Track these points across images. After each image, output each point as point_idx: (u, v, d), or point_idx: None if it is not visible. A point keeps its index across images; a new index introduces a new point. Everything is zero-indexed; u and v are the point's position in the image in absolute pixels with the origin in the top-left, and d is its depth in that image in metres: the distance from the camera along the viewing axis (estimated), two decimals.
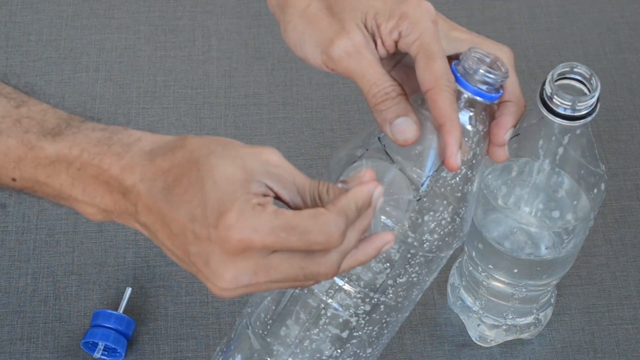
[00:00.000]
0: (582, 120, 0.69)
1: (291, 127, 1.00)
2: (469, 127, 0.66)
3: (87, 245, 0.91)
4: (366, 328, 0.71)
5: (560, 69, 0.70)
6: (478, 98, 0.65)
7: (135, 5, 1.08)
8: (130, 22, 1.07)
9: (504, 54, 0.67)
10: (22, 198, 0.94)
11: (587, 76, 0.69)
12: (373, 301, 0.69)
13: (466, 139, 0.65)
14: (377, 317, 0.70)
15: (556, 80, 0.69)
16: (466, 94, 0.65)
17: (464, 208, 0.67)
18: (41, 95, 1.01)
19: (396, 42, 0.66)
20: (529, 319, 0.86)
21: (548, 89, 0.69)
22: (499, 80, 0.64)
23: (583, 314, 0.90)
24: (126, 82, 1.02)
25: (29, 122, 0.62)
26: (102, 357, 0.85)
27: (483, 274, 0.82)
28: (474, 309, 0.86)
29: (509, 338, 0.87)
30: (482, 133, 0.66)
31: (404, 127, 0.64)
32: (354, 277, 0.68)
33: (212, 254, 0.58)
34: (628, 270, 0.92)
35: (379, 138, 0.67)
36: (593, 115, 0.69)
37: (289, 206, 0.60)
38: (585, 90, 0.70)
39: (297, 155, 0.98)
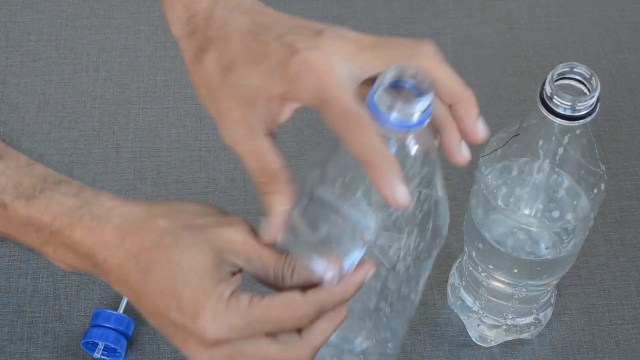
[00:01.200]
0: (582, 120, 0.69)
1: (291, 127, 0.99)
2: (408, 153, 0.61)
3: None
4: (378, 335, 0.71)
5: (560, 69, 0.70)
6: (403, 131, 0.59)
7: (135, 5, 1.08)
8: (130, 22, 1.07)
9: (425, 56, 0.62)
10: None
11: (587, 76, 0.69)
12: (376, 315, 0.69)
13: (408, 166, 0.61)
14: (385, 322, 0.70)
15: (556, 80, 0.69)
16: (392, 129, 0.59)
17: (431, 221, 0.65)
18: (41, 95, 1.01)
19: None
20: (529, 319, 0.86)
21: (548, 89, 0.69)
22: (420, 109, 0.59)
23: (583, 314, 0.90)
24: (126, 82, 1.02)
25: (5, 182, 0.63)
26: (102, 357, 0.85)
27: (483, 274, 0.82)
28: (474, 309, 0.86)
29: (509, 338, 0.87)
30: (427, 149, 0.62)
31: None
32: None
33: (189, 341, 0.60)
34: (628, 270, 0.92)
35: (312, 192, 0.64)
36: (593, 115, 0.69)
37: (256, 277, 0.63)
38: (585, 90, 0.70)
39: (297, 155, 0.98)
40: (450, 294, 0.88)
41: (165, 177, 0.96)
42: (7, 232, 0.64)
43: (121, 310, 0.87)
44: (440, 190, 0.65)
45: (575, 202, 0.75)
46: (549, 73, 0.69)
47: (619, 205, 0.96)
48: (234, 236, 0.61)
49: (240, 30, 0.63)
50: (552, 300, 0.87)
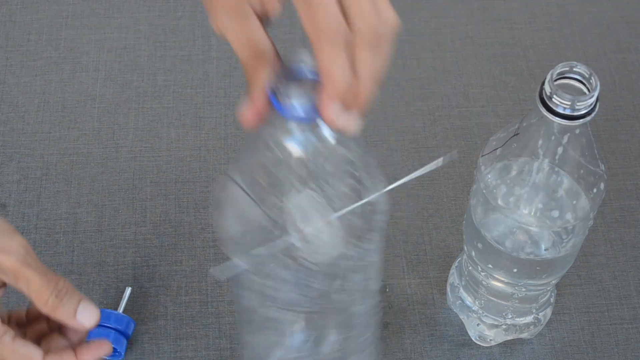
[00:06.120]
0: (581, 120, 0.69)
1: None
2: (326, 139, 0.59)
3: (87, 245, 0.91)
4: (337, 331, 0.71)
5: (560, 68, 0.70)
6: (315, 119, 0.57)
7: (135, 5, 1.08)
8: (130, 22, 1.07)
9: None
10: (22, 198, 0.94)
11: (587, 76, 0.69)
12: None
13: (330, 155, 0.59)
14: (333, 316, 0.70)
15: (556, 80, 0.69)
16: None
17: (362, 220, 0.62)
18: (41, 94, 1.01)
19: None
20: (529, 319, 0.86)
21: (547, 88, 0.69)
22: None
23: (582, 313, 0.90)
24: (126, 82, 1.02)
25: None
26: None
27: (482, 273, 0.82)
28: (473, 308, 0.86)
29: (509, 338, 0.87)
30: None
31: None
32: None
33: None
34: (628, 270, 0.92)
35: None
36: (592, 115, 0.69)
37: None
38: (585, 90, 0.70)
39: None
40: (449, 294, 0.88)
41: (165, 177, 0.96)
42: None
43: (121, 309, 0.87)
44: (367, 178, 0.62)
45: (574, 202, 0.75)
46: (548, 73, 0.69)
47: (618, 205, 0.96)
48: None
49: None
50: (552, 300, 0.87)
